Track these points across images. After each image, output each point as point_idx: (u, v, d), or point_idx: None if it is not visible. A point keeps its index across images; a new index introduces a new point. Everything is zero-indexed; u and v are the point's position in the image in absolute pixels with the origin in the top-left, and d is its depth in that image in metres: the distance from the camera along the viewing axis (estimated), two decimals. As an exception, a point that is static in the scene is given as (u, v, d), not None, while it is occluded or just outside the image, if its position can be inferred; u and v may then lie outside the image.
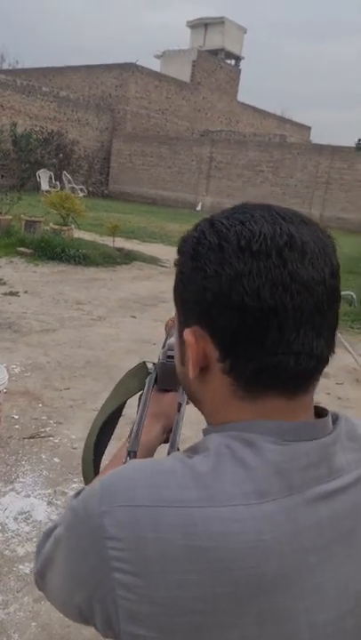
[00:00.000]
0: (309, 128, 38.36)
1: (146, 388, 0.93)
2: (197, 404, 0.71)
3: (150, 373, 0.96)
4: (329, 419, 0.64)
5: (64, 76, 28.92)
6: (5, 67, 33.49)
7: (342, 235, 18.88)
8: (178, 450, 0.85)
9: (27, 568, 2.04)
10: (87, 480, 0.99)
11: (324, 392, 4.27)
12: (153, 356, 3.39)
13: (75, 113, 24.88)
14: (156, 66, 30.74)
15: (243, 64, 34.74)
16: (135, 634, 0.54)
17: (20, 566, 2.04)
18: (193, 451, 0.61)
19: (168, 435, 0.94)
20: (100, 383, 3.83)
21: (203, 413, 0.71)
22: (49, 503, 2.43)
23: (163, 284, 7.72)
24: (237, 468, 0.56)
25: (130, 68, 26.67)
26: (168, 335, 1.00)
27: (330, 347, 0.61)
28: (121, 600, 0.53)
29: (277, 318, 0.56)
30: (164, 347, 0.97)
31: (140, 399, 0.98)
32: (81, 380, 3.86)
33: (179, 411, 0.90)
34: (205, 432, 0.67)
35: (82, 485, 2.48)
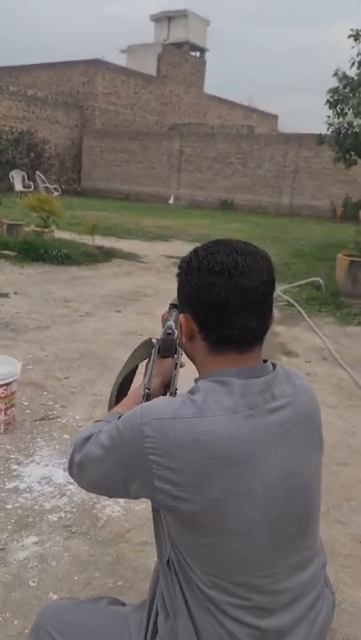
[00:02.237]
0: (276, 117, 38.94)
1: (152, 355, 1.43)
2: (192, 359, 1.22)
3: (154, 345, 1.47)
4: (269, 364, 1.16)
5: (30, 74, 28.96)
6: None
7: (312, 222, 19.50)
8: (175, 393, 1.36)
9: (54, 517, 2.53)
10: (110, 408, 1.50)
11: (295, 369, 4.81)
12: (140, 346, 3.80)
13: (43, 111, 25.04)
14: (121, 60, 30.93)
15: (208, 55, 35.07)
16: (162, 488, 1.05)
17: (49, 516, 2.54)
18: (190, 392, 1.13)
19: (165, 388, 1.45)
20: (95, 371, 4.33)
21: (196, 366, 1.22)
22: (65, 470, 2.93)
23: (142, 279, 8.20)
24: (217, 396, 1.07)
25: (96, 64, 26.87)
26: (165, 322, 1.50)
27: (263, 325, 1.14)
28: (155, 470, 1.04)
29: (228, 308, 1.09)
30: (164, 327, 1.48)
31: (147, 364, 1.49)
32: (77, 370, 4.34)
33: (175, 369, 1.41)
34: (196, 380, 1.19)
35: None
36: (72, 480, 2.83)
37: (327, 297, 7.58)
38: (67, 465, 1.29)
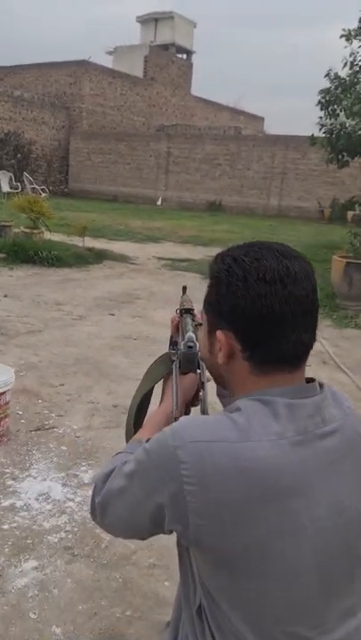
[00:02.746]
0: (263, 119, 38.93)
1: (175, 371, 1.25)
2: (222, 382, 1.05)
3: (174, 360, 1.30)
4: (316, 383, 1.00)
5: (16, 74, 28.64)
6: None
7: (300, 224, 19.44)
8: (207, 414, 1.20)
9: (55, 538, 2.35)
10: (128, 435, 1.33)
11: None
12: (136, 351, 3.75)
13: (30, 112, 24.78)
14: (108, 62, 30.75)
15: (195, 57, 34.92)
16: (199, 524, 0.88)
17: (49, 537, 2.36)
18: (228, 410, 0.96)
19: (186, 407, 1.28)
20: (91, 378, 4.15)
21: (226, 388, 1.06)
22: (64, 485, 2.75)
23: (135, 281, 8.02)
24: (261, 418, 0.90)
25: (83, 65, 26.65)
26: (183, 329, 1.33)
27: (314, 337, 0.98)
28: (190, 503, 0.87)
29: (283, 321, 0.92)
30: (181, 337, 1.31)
31: (165, 382, 1.32)
32: (73, 376, 4.16)
33: (203, 388, 1.24)
34: (226, 401, 1.02)
35: (90, 468, 2.79)
36: (72, 496, 2.66)
37: (322, 299, 7.45)
38: (89, 510, 1.10)
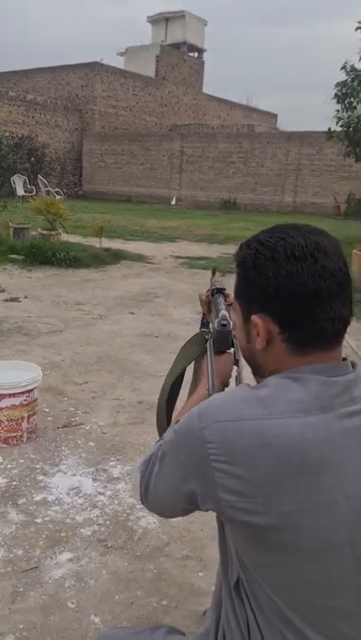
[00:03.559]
0: (276, 115, 38.79)
1: (209, 350, 1.26)
2: (257, 367, 1.06)
3: (207, 339, 1.31)
4: (348, 363, 1.00)
5: (29, 78, 28.86)
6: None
7: (316, 219, 19.35)
8: None
9: (88, 531, 2.38)
10: (161, 429, 1.35)
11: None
12: (157, 349, 3.77)
13: (43, 116, 24.95)
14: (119, 63, 30.81)
15: (206, 55, 34.84)
16: (228, 499, 0.90)
17: (82, 530, 2.39)
18: (256, 387, 0.97)
19: (224, 388, 1.28)
20: (115, 375, 4.18)
21: (260, 374, 1.06)
22: (94, 479, 2.78)
23: (153, 280, 8.05)
24: (289, 394, 0.91)
25: (95, 67, 26.75)
26: (216, 309, 1.34)
27: (351, 312, 0.98)
28: (219, 479, 0.89)
29: (319, 297, 0.93)
30: (217, 317, 1.31)
31: (196, 363, 1.34)
32: (96, 373, 4.20)
33: (237, 365, 1.25)
34: (260, 379, 1.03)
35: (118, 463, 2.81)
36: (102, 490, 2.69)
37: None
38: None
